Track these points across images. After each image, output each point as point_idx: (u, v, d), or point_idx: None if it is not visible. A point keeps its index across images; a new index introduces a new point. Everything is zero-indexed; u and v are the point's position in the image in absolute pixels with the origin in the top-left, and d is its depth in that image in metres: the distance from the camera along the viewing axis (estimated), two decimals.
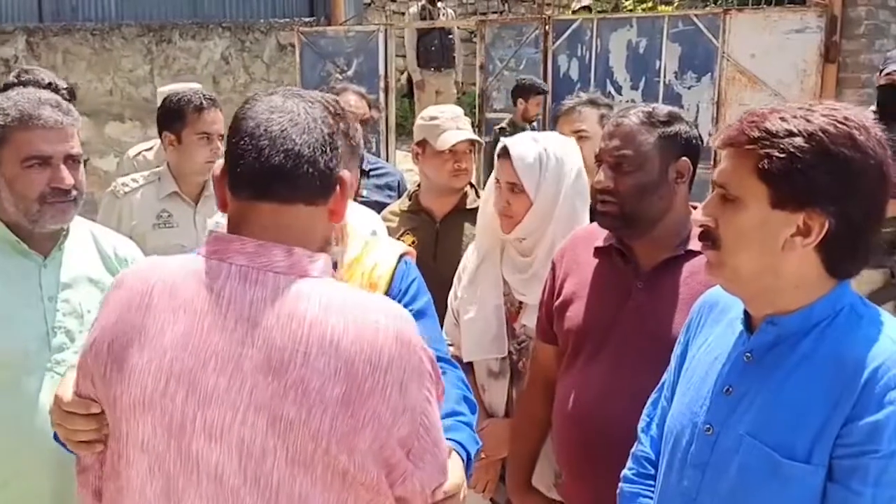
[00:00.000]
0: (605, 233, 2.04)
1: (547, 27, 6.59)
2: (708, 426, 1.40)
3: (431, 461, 1.26)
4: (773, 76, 5.75)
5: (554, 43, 6.56)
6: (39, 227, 1.95)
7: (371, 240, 1.95)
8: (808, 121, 1.25)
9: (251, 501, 1.19)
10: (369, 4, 10.81)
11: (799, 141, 1.24)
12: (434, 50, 8.79)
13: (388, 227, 2.91)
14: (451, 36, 8.90)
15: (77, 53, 8.20)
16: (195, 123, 3.02)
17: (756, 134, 1.27)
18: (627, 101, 6.32)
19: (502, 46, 6.82)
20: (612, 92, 6.41)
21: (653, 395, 1.66)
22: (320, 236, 1.31)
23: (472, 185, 3.04)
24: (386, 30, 7.14)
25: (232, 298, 1.22)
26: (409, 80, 9.47)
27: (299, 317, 1.19)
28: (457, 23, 8.27)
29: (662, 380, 1.64)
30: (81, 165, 2.01)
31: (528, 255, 2.35)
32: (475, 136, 2.93)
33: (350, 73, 7.10)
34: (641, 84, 6.32)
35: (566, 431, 2.03)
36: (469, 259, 2.55)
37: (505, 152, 2.31)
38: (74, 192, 1.95)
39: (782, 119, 1.26)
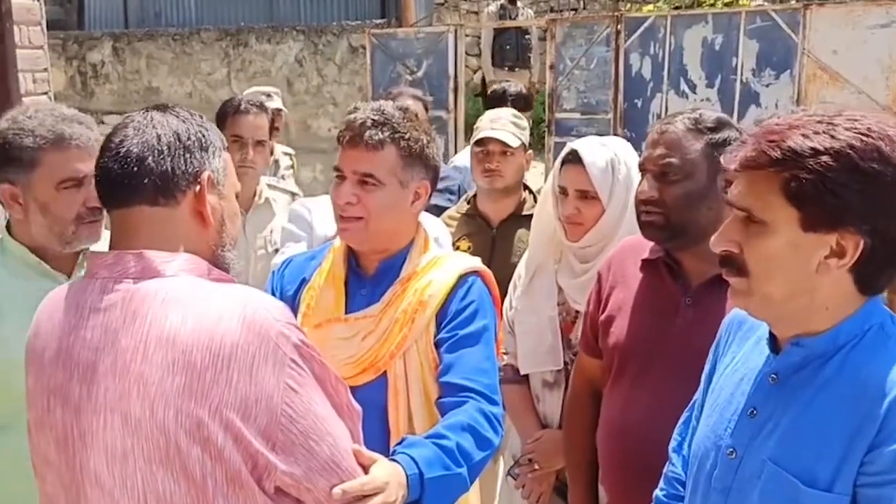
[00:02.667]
0: (652, 244, 1.96)
1: (619, 25, 6.46)
2: (731, 449, 1.35)
3: (306, 456, 1.24)
4: (857, 73, 5.51)
5: (626, 41, 6.43)
6: (70, 248, 1.91)
7: (442, 256, 1.90)
8: (832, 137, 1.19)
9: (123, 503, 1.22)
10: (442, 4, 10.82)
11: (827, 160, 1.18)
12: (509, 49, 8.73)
13: None
14: (527, 35, 8.83)
15: (159, 58, 8.47)
16: (230, 126, 2.99)
17: (779, 154, 1.21)
18: (702, 100, 6.15)
19: (573, 45, 6.71)
20: (686, 91, 6.25)
21: (684, 414, 1.61)
22: (193, 241, 1.33)
23: (530, 191, 3.00)
24: (456, 30, 7.13)
25: (91, 310, 1.26)
26: (483, 79, 9.44)
27: (142, 316, 1.22)
28: (526, 22, 8.19)
29: (694, 398, 1.58)
30: None
31: (589, 262, 2.30)
32: (499, 135, 2.86)
33: (420, 74, 7.11)
34: (717, 82, 6.14)
35: (611, 452, 1.97)
36: (523, 267, 2.51)
37: (574, 158, 2.25)
38: (98, 213, 1.90)
39: (805, 136, 1.20)
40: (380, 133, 1.79)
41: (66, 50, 8.51)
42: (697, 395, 1.56)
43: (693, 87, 6.23)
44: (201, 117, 1.39)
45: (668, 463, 1.61)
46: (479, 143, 2.90)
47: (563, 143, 2.82)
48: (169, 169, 1.29)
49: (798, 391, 1.29)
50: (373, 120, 1.80)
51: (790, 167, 1.20)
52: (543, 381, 2.43)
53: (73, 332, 1.26)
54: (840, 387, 1.25)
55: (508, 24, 8.25)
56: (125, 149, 1.28)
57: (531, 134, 3.07)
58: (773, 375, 1.33)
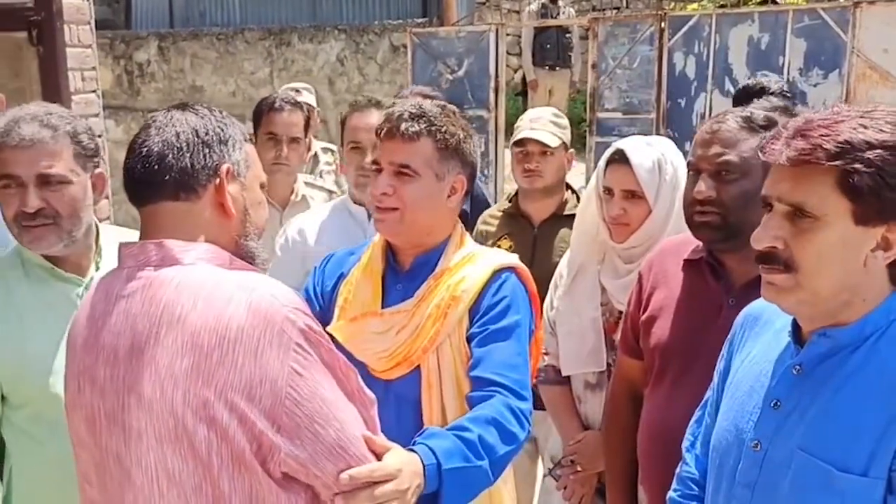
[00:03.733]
0: (694, 244, 1.93)
1: (663, 24, 6.38)
2: (755, 442, 1.34)
3: (312, 439, 1.25)
4: None
5: (670, 40, 6.35)
6: (33, 248, 1.87)
7: (477, 251, 1.90)
8: (881, 130, 1.21)
9: (139, 482, 1.26)
10: (483, 3, 10.80)
11: (883, 153, 1.19)
12: (549, 48, 8.68)
13: (487, 231, 2.96)
14: (568, 34, 8.77)
15: (204, 57, 8.58)
16: (265, 124, 3.00)
17: (834, 148, 1.21)
18: None
19: (616, 44, 6.64)
20: (731, 90, 6.13)
21: (696, 413, 1.61)
22: (216, 232, 1.38)
23: (572, 191, 2.97)
24: (497, 29, 7.10)
25: (118, 297, 1.33)
26: (524, 78, 9.40)
27: (157, 302, 1.28)
28: (568, 21, 8.14)
29: (705, 397, 1.57)
30: (69, 187, 1.85)
31: (634, 262, 2.27)
32: (538, 136, 2.83)
33: (461, 73, 7.09)
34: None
35: (652, 453, 1.95)
36: (564, 267, 2.49)
37: (621, 158, 2.23)
38: (48, 215, 1.82)
39: (854, 129, 1.21)
40: (416, 125, 1.81)
41: (114, 49, 8.66)
42: (710, 393, 1.56)
43: (738, 87, 6.12)
44: (221, 113, 1.44)
45: (681, 462, 1.60)
46: (519, 143, 2.89)
47: (605, 144, 2.79)
48: (188, 165, 1.35)
49: (825, 381, 1.29)
50: (410, 113, 1.83)
51: (847, 160, 1.20)
52: (586, 383, 2.42)
53: (101, 319, 1.33)
54: (870, 374, 1.25)
55: (550, 22, 8.20)
56: (147, 148, 1.35)
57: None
58: (797, 367, 1.33)
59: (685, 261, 1.95)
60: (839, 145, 1.20)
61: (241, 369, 1.21)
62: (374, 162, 1.88)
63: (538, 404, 2.21)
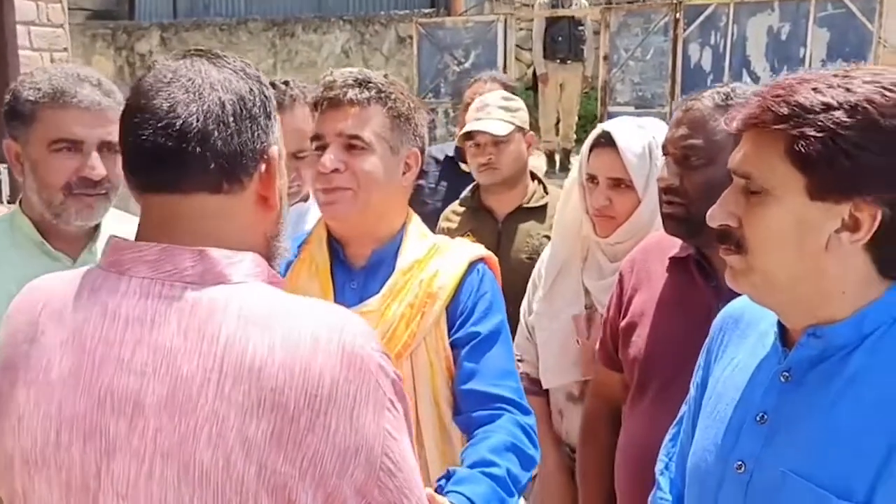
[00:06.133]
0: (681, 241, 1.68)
1: (678, 13, 6.15)
2: (739, 463, 1.17)
3: None
4: None
5: (685, 30, 6.11)
6: (64, 223, 1.75)
7: (442, 242, 1.69)
8: (848, 90, 1.04)
9: None
10: None
11: (840, 115, 1.02)
12: (561, 41, 8.36)
13: (449, 228, 2.74)
14: (581, 27, 8.48)
15: (206, 48, 8.45)
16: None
17: (785, 110, 1.05)
18: None
19: (628, 35, 6.42)
20: (749, 83, 5.86)
21: (671, 431, 1.44)
22: (249, 231, 1.06)
23: (539, 181, 2.74)
24: (506, 20, 6.88)
25: (129, 320, 0.99)
26: (535, 73, 9.14)
27: (210, 336, 0.95)
28: (579, 11, 7.85)
29: (681, 412, 1.40)
30: (120, 156, 1.82)
31: (619, 260, 2.02)
32: (484, 126, 2.61)
33: (467, 64, 6.89)
34: (783, 74, 5.75)
35: (630, 479, 1.72)
36: (544, 266, 2.24)
37: (607, 141, 1.98)
38: (107, 185, 1.73)
39: (816, 90, 1.05)
40: (365, 91, 1.60)
41: (116, 40, 8.53)
42: (686, 408, 1.40)
43: (757, 80, 5.88)
44: (256, 69, 1.10)
45: (655, 488, 1.43)
46: (467, 136, 2.66)
47: None
48: (237, 147, 1.02)
49: (818, 389, 1.12)
50: (355, 78, 1.62)
51: (798, 124, 1.04)
52: (568, 394, 2.18)
53: (101, 346, 0.99)
54: (873, 381, 1.08)
55: (560, 13, 7.91)
56: (181, 120, 1.00)
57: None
58: (784, 373, 1.16)
59: (671, 259, 1.71)
60: (791, 108, 1.04)
61: (332, 437, 0.95)
62: (316, 137, 1.63)
63: None
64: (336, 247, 1.69)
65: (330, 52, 7.98)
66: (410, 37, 7.40)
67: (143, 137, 1.00)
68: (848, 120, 1.02)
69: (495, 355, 1.60)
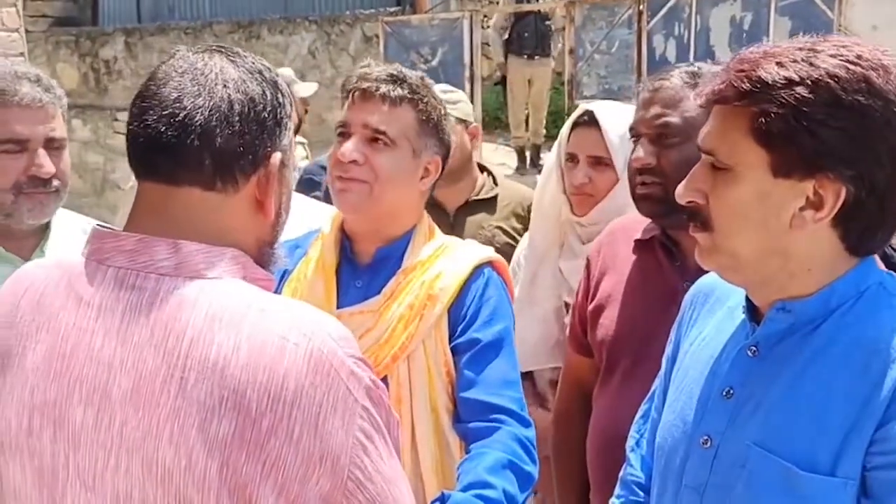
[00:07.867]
0: (646, 223, 1.69)
1: (641, 6, 6.17)
2: (705, 437, 1.17)
3: None
4: None
5: (649, 22, 6.13)
6: (16, 223, 1.73)
7: (451, 243, 1.68)
8: (811, 65, 1.02)
9: None
10: None
11: (802, 91, 1.01)
12: (527, 36, 8.37)
13: None
14: (548, 22, 8.49)
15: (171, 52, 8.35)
16: None
17: (747, 86, 1.04)
18: None
19: (593, 28, 6.43)
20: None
21: (642, 407, 1.43)
22: (240, 233, 1.05)
23: (488, 173, 2.74)
24: (471, 16, 6.87)
25: (103, 310, 0.98)
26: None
27: (177, 331, 0.94)
28: (545, 5, 7.86)
29: (653, 388, 1.39)
30: (66, 152, 1.78)
31: (591, 242, 2.03)
32: None
33: (434, 62, 6.86)
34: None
35: (600, 465, 1.73)
36: (523, 255, 2.26)
37: (590, 120, 2.00)
38: (56, 183, 1.73)
39: (779, 65, 1.03)
40: (399, 89, 1.60)
41: (79, 47, 8.42)
42: (657, 383, 1.39)
43: None
44: (277, 75, 1.09)
45: (625, 464, 1.42)
46: None
47: None
48: (237, 147, 1.02)
49: (783, 363, 1.12)
50: (391, 74, 1.61)
51: (760, 100, 1.03)
52: (550, 380, 2.19)
53: (73, 334, 0.99)
54: (837, 353, 1.08)
55: (525, 8, 7.92)
56: (185, 111, 0.99)
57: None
58: (752, 348, 1.16)
59: (636, 241, 1.73)
60: (753, 83, 1.03)
61: (296, 442, 0.93)
62: (341, 124, 1.63)
63: None
64: (345, 244, 1.68)
65: (297, 53, 7.93)
66: (377, 36, 7.37)
67: (146, 123, 1.00)
68: (810, 96, 1.01)
69: (497, 364, 1.57)
